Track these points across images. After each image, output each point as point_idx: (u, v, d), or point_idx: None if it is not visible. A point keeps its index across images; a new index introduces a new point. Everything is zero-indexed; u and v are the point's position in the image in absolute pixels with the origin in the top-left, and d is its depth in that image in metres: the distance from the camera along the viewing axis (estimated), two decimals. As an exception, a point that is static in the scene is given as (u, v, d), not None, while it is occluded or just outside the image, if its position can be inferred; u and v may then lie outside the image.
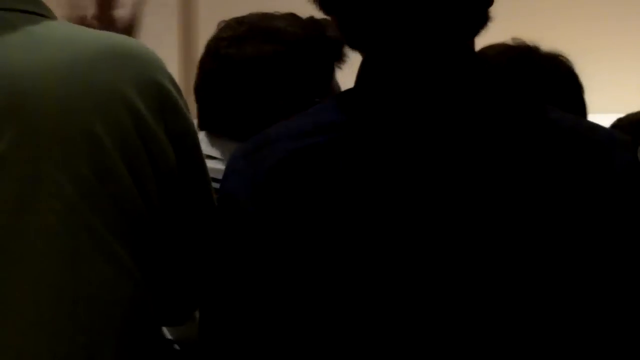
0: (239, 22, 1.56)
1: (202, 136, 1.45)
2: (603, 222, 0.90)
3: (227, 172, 0.98)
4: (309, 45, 1.52)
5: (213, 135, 1.49)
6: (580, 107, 1.55)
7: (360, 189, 0.91)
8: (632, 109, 2.17)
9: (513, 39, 1.54)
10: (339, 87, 1.60)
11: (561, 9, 3.48)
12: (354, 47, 0.98)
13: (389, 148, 0.92)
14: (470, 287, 0.89)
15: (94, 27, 1.45)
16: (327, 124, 0.95)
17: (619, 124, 2.17)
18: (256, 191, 0.93)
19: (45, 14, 1.03)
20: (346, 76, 1.07)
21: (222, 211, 0.97)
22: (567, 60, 1.55)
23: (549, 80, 1.49)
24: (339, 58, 1.56)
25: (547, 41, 1.57)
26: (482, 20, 0.96)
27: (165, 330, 1.29)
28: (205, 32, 1.66)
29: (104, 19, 1.51)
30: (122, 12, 1.54)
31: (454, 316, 0.89)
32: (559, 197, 0.90)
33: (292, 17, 1.56)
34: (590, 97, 1.59)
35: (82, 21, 1.50)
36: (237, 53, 1.50)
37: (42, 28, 1.00)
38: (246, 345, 0.94)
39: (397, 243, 0.90)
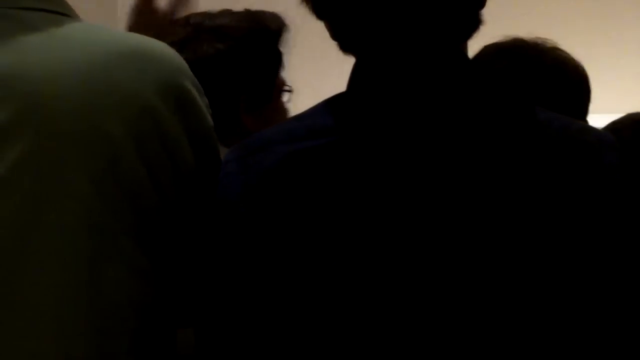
0: (181, 25, 1.56)
1: None
2: (592, 222, 0.90)
3: (221, 175, 0.98)
4: (256, 38, 1.53)
5: None
6: (581, 103, 1.55)
7: (354, 192, 0.91)
8: (632, 109, 2.16)
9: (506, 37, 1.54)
10: (284, 80, 1.62)
11: (561, 9, 3.47)
12: (347, 51, 0.98)
13: (382, 152, 0.92)
14: (462, 286, 0.89)
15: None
16: (322, 127, 0.95)
17: (618, 125, 2.16)
18: (251, 194, 0.93)
19: (66, 13, 1.02)
20: (339, 78, 1.06)
21: (217, 214, 0.97)
22: (571, 57, 1.56)
23: (555, 77, 1.49)
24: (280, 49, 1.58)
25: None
26: (473, 23, 0.96)
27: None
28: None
29: (145, 10, 1.51)
30: (163, 3, 1.54)
31: (448, 317, 0.89)
32: (548, 197, 0.90)
33: (230, 12, 1.57)
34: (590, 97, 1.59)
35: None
36: (191, 55, 1.50)
37: (63, 28, 0.99)
38: (238, 347, 0.94)
39: (391, 246, 0.90)
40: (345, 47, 0.98)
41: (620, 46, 3.41)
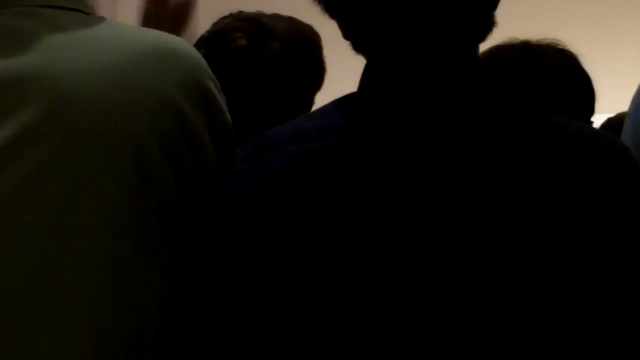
0: (241, 19, 1.55)
1: None
2: (604, 227, 0.90)
3: (230, 174, 0.98)
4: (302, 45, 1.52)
5: None
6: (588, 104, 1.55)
7: (365, 195, 0.90)
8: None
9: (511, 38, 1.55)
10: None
11: (560, 9, 3.47)
12: (358, 51, 0.97)
13: (394, 155, 0.91)
14: (475, 291, 0.89)
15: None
16: (332, 128, 0.94)
17: (609, 124, 2.17)
18: (260, 194, 0.93)
19: (88, 12, 1.02)
20: (348, 78, 1.06)
21: (225, 214, 0.96)
22: (575, 56, 1.56)
23: (559, 76, 1.49)
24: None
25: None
26: (487, 24, 0.95)
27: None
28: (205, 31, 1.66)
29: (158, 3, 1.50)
30: None
31: (459, 321, 0.89)
32: (562, 203, 0.90)
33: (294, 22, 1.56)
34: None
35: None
36: (258, 53, 1.49)
37: (86, 27, 0.99)
38: (243, 347, 0.93)
39: (404, 249, 0.89)
40: (357, 47, 0.97)
41: (620, 46, 3.41)
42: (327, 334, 0.91)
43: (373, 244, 0.90)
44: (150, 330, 0.95)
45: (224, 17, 1.60)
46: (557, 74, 1.52)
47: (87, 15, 1.02)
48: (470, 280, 0.89)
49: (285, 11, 1.60)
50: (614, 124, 2.09)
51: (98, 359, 0.92)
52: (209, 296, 0.98)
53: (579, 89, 1.55)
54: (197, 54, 1.04)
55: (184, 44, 1.04)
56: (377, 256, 0.90)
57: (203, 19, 1.64)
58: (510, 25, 1.57)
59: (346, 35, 0.98)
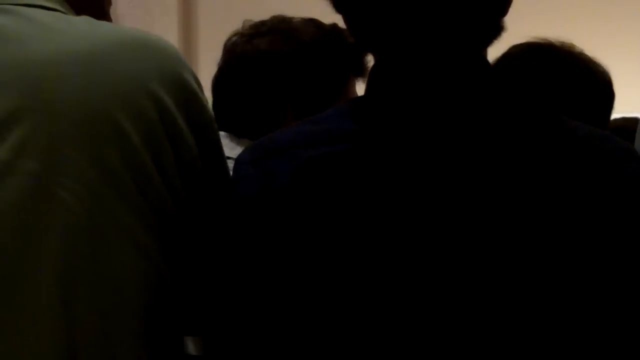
0: (262, 23, 1.56)
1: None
2: (614, 230, 0.89)
3: (235, 178, 0.95)
4: (324, 48, 1.52)
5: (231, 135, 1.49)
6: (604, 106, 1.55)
7: (378, 201, 0.89)
8: (632, 109, 2.16)
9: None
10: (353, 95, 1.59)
11: (562, 9, 3.48)
12: (365, 49, 0.95)
13: (407, 160, 0.90)
14: (486, 296, 0.88)
15: None
16: (342, 132, 0.92)
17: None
18: (271, 199, 0.91)
19: (64, 11, 1.03)
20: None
21: (233, 218, 0.94)
22: (598, 61, 1.56)
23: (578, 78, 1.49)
24: (358, 67, 1.55)
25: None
26: (495, 29, 0.94)
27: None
28: (205, 32, 1.67)
29: None
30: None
31: (466, 324, 0.88)
32: (574, 206, 0.89)
33: (313, 22, 1.56)
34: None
35: None
36: (252, 49, 1.50)
37: (64, 22, 1.00)
38: (249, 347, 0.93)
39: (418, 254, 0.89)
40: (363, 45, 0.95)
41: (620, 46, 3.41)
42: (334, 340, 0.90)
43: (388, 249, 0.89)
44: (128, 312, 0.95)
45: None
46: (590, 76, 1.51)
47: (62, 13, 1.03)
48: (483, 283, 0.88)
49: (283, 10, 1.60)
50: (614, 127, 2.09)
51: (73, 337, 0.92)
52: (216, 295, 0.96)
53: (606, 91, 1.54)
54: (175, 48, 1.05)
55: (160, 37, 1.05)
56: (394, 262, 0.89)
57: (204, 18, 1.64)
58: (513, 25, 1.57)
59: (352, 33, 0.95)
